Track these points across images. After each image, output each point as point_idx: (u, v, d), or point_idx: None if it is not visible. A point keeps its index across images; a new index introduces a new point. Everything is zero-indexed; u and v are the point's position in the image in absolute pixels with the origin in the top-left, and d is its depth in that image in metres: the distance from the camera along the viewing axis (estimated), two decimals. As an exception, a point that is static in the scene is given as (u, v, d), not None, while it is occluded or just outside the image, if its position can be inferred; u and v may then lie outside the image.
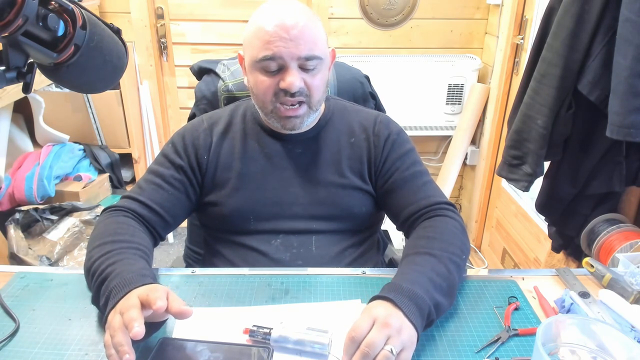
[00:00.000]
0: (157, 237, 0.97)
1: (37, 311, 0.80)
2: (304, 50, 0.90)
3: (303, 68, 0.92)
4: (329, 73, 1.02)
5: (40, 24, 0.53)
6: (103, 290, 0.75)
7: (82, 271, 0.88)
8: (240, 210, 1.00)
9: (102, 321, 0.77)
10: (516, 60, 2.14)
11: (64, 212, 2.05)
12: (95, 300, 0.78)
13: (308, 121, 0.98)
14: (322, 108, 1.06)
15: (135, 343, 0.69)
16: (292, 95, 0.91)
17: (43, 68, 0.59)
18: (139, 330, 0.64)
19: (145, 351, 0.71)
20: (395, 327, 0.66)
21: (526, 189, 1.33)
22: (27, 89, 0.57)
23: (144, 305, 0.68)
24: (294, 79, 0.90)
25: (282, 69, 0.91)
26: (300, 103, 0.94)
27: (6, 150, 2.03)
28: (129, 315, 0.66)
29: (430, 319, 0.73)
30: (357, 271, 0.92)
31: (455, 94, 2.41)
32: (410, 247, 0.86)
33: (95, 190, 2.26)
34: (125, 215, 0.92)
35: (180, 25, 2.44)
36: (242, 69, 1.01)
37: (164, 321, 0.75)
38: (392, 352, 0.63)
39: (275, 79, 0.92)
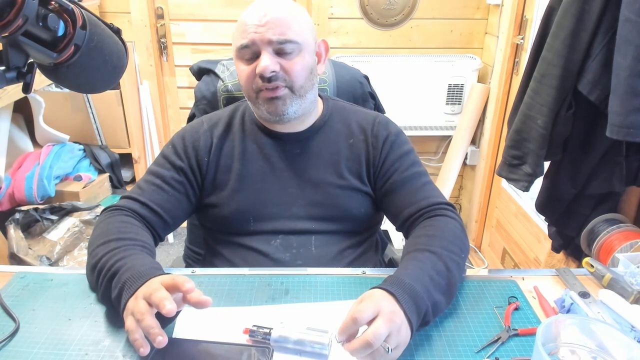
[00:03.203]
0: (157, 238, 0.97)
1: (37, 311, 0.80)
2: (275, 34, 0.90)
3: (280, 53, 0.92)
4: (322, 64, 1.02)
5: (40, 24, 0.53)
6: (115, 283, 0.75)
7: (82, 271, 0.88)
8: (240, 212, 1.00)
9: (107, 316, 0.78)
10: (516, 60, 2.14)
11: (64, 212, 2.05)
12: (104, 296, 0.78)
13: (294, 107, 0.96)
14: (319, 108, 1.06)
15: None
16: (269, 80, 0.92)
17: (43, 68, 0.59)
18: (172, 307, 0.64)
19: (145, 351, 0.71)
20: (397, 325, 0.66)
21: (526, 189, 1.33)
22: (27, 89, 0.57)
23: (169, 290, 0.68)
24: (266, 63, 0.90)
25: (258, 56, 0.92)
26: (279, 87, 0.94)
27: (6, 150, 2.03)
28: (158, 295, 0.66)
29: (426, 319, 0.73)
30: (357, 271, 0.92)
31: (455, 94, 2.41)
32: (411, 245, 0.86)
33: (95, 190, 2.26)
34: (127, 215, 0.92)
35: (180, 25, 2.44)
36: None
37: (177, 314, 0.74)
38: (388, 350, 0.64)
39: (252, 66, 0.93)
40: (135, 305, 0.68)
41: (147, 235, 0.91)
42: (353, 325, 0.65)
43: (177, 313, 0.74)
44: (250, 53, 0.92)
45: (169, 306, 0.64)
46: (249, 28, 0.91)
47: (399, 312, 0.68)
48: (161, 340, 0.64)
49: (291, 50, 0.92)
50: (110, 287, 0.76)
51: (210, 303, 0.68)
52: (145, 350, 0.65)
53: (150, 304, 0.67)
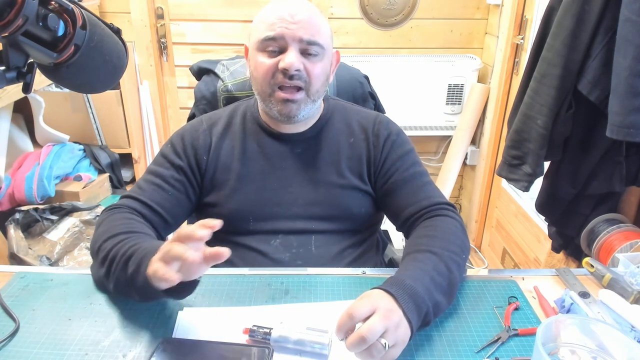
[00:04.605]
0: (158, 238, 0.97)
1: (37, 311, 0.80)
2: (306, 34, 0.91)
3: (304, 53, 0.93)
4: (332, 74, 1.02)
5: (40, 24, 0.53)
6: (132, 262, 0.74)
7: (82, 271, 0.88)
8: (240, 211, 1.00)
9: (107, 316, 0.78)
10: (516, 60, 2.14)
11: (64, 212, 2.05)
12: (119, 278, 0.76)
13: (305, 111, 0.97)
14: (321, 107, 1.06)
15: (140, 338, 0.68)
16: (291, 77, 0.91)
17: (43, 68, 0.59)
18: (195, 255, 0.62)
19: (145, 351, 0.71)
20: (394, 322, 0.66)
21: (526, 189, 1.33)
22: (27, 89, 0.57)
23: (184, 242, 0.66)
24: (293, 60, 0.90)
25: (283, 51, 0.92)
26: (299, 89, 0.94)
27: (6, 150, 2.02)
28: (176, 249, 0.64)
29: (427, 319, 0.73)
30: (357, 271, 0.92)
31: (455, 94, 2.41)
32: (412, 245, 0.86)
33: (95, 190, 2.26)
34: (130, 212, 0.92)
35: (180, 25, 2.44)
36: (247, 61, 1.02)
37: (196, 283, 0.73)
38: (385, 346, 0.64)
39: (275, 60, 0.92)
40: (156, 259, 0.67)
41: (151, 231, 0.91)
42: (348, 321, 0.65)
43: (196, 282, 0.73)
44: (275, 46, 0.92)
45: (192, 256, 0.62)
46: (278, 21, 0.91)
47: (397, 311, 0.68)
48: (196, 255, 0.62)
49: (316, 52, 0.93)
50: (126, 269, 0.74)
51: (229, 253, 0.65)
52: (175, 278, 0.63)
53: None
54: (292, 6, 0.92)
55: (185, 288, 0.72)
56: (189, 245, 0.65)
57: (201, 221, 0.67)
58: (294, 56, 0.91)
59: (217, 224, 0.66)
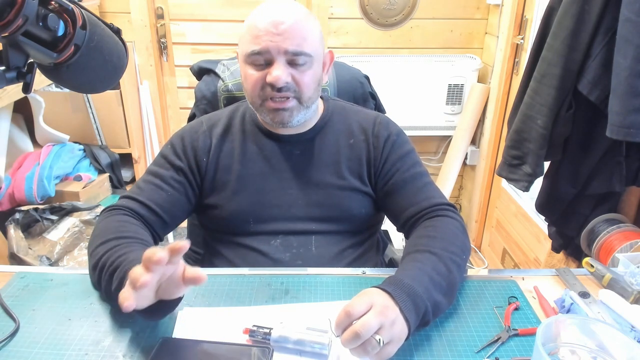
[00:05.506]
0: (156, 237, 0.97)
1: (37, 311, 0.80)
2: (292, 45, 0.90)
3: (292, 64, 0.92)
4: (326, 74, 1.02)
5: (40, 24, 0.53)
6: (116, 276, 0.74)
7: (82, 271, 0.88)
8: (240, 213, 1.00)
9: (107, 316, 0.78)
10: (516, 60, 2.14)
11: (64, 212, 2.05)
12: (107, 291, 0.77)
13: (299, 117, 0.97)
14: (320, 109, 1.06)
15: (140, 338, 0.68)
16: (279, 90, 0.91)
17: (43, 68, 0.59)
18: (146, 279, 0.61)
19: (145, 351, 0.71)
20: (390, 319, 0.66)
21: (526, 189, 1.33)
22: (27, 89, 0.57)
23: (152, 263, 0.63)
24: (279, 73, 0.90)
25: (269, 64, 0.91)
26: (290, 97, 0.93)
27: (6, 150, 2.02)
28: (133, 272, 0.62)
29: (425, 319, 0.72)
30: (357, 271, 0.92)
31: (455, 94, 2.41)
32: (411, 245, 0.86)
33: (95, 190, 2.26)
34: (125, 214, 0.92)
35: (180, 25, 2.44)
36: (239, 64, 1.02)
37: (179, 300, 0.72)
38: (380, 342, 0.64)
39: (262, 73, 0.92)
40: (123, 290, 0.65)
41: (146, 233, 0.91)
42: (346, 319, 0.66)
43: (179, 299, 0.72)
44: (261, 60, 0.91)
45: (145, 279, 0.61)
46: (263, 34, 0.90)
47: (394, 308, 0.68)
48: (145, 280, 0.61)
49: (304, 62, 0.92)
50: (111, 281, 0.75)
51: (206, 278, 0.65)
52: (130, 304, 0.61)
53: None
54: (277, 14, 0.90)
55: (165, 306, 0.70)
56: (164, 265, 0.64)
57: (170, 245, 0.64)
58: (280, 70, 0.90)
59: (185, 245, 0.64)
